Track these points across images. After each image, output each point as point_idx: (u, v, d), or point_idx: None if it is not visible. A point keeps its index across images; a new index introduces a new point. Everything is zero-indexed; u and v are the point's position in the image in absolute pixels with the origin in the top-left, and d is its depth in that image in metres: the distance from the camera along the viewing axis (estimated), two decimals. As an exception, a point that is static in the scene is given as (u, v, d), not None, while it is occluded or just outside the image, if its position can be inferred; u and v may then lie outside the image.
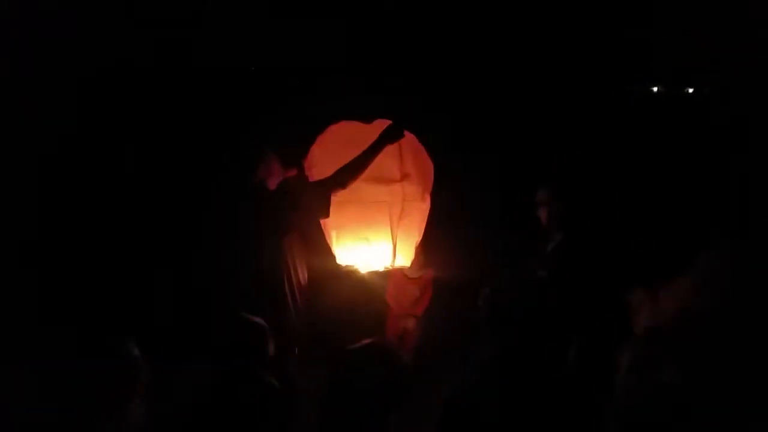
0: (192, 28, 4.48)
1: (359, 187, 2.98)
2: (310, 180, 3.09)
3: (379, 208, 3.00)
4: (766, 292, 1.37)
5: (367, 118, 3.13)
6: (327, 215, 2.96)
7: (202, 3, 4.52)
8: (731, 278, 1.44)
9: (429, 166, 3.21)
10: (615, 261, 3.05)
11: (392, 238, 3.01)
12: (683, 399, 1.24)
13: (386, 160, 2.99)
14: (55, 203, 4.05)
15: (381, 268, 3.12)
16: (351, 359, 1.66)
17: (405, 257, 3.14)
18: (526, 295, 1.94)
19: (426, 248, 3.67)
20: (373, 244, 3.04)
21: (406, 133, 3.07)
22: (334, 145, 3.10)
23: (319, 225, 3.11)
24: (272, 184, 3.03)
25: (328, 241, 3.13)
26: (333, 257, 3.14)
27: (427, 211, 3.17)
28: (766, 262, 1.44)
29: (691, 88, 5.64)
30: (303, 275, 3.08)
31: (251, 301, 2.87)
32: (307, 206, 2.95)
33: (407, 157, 3.05)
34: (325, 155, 3.09)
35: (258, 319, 2.45)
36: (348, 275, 3.19)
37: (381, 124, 3.05)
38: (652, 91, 5.72)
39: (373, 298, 4.19)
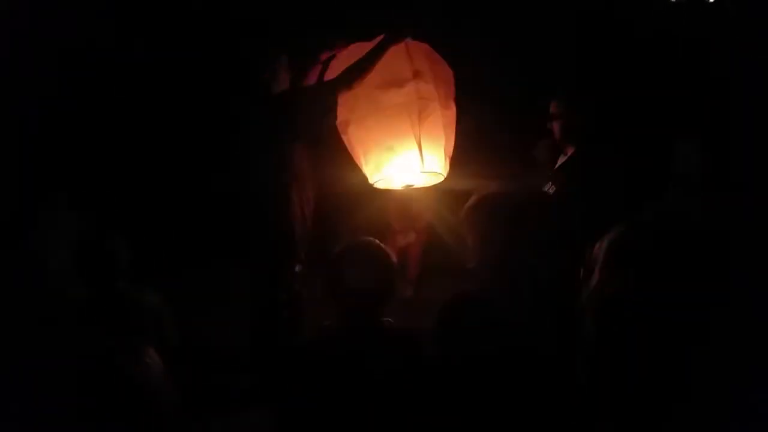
0: None
1: (372, 94, 2.89)
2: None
3: (398, 113, 2.88)
4: None
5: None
6: (335, 119, 2.88)
7: None
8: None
9: (448, 73, 3.09)
10: (627, 181, 2.92)
11: (417, 141, 2.89)
12: None
13: (395, 60, 2.89)
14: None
15: (414, 180, 3.02)
16: (339, 258, 1.69)
17: (435, 163, 3.00)
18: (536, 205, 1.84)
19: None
20: (398, 152, 2.93)
21: (418, 42, 2.98)
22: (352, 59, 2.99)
23: (338, 138, 3.02)
24: (280, 88, 2.96)
25: (357, 160, 3.03)
26: (354, 171, 3.06)
27: (453, 118, 3.04)
28: None
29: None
30: (310, 187, 3.00)
31: (257, 207, 2.84)
32: (314, 109, 2.88)
33: (417, 56, 2.93)
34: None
35: None
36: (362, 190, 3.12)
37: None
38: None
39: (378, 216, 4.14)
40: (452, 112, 3.05)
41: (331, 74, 3.04)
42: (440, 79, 2.99)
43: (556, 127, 3.19)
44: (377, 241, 1.74)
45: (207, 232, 4.16)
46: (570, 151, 3.21)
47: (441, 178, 3.09)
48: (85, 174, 3.91)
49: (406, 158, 2.93)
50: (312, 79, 3.07)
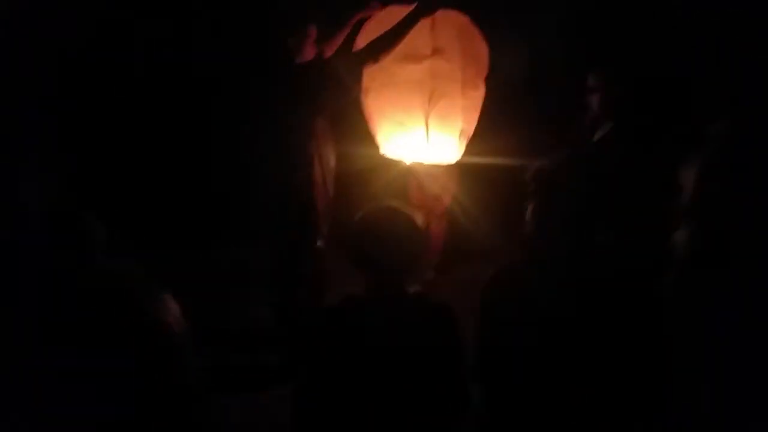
0: None
1: (391, 66, 2.88)
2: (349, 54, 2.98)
3: (411, 89, 2.87)
4: None
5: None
6: (359, 91, 2.87)
7: None
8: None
9: (483, 50, 2.99)
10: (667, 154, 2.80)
11: (425, 119, 2.88)
12: None
13: (418, 34, 2.86)
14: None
15: (417, 155, 2.99)
16: (363, 223, 1.58)
17: (444, 144, 2.96)
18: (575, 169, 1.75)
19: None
20: (408, 128, 2.92)
21: (450, 12, 2.91)
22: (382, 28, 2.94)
23: (357, 110, 3.01)
24: (305, 58, 2.89)
25: (371, 129, 3.02)
26: (371, 144, 3.04)
27: (480, 99, 2.98)
28: None
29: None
30: (332, 159, 2.97)
31: (280, 180, 2.82)
32: (339, 82, 2.87)
33: (444, 31, 2.87)
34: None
35: None
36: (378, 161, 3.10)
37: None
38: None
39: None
40: (479, 92, 2.98)
41: (361, 38, 3.00)
42: (469, 57, 2.93)
43: (594, 100, 3.12)
44: (402, 205, 1.64)
45: (225, 210, 4.12)
46: (608, 124, 3.03)
47: (453, 160, 3.06)
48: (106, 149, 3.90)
49: (414, 135, 2.93)
50: (339, 42, 3.01)
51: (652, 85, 3.44)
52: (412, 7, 2.92)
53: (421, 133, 2.91)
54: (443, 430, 1.60)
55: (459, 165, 3.15)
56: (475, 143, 3.09)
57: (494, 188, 3.98)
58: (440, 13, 2.87)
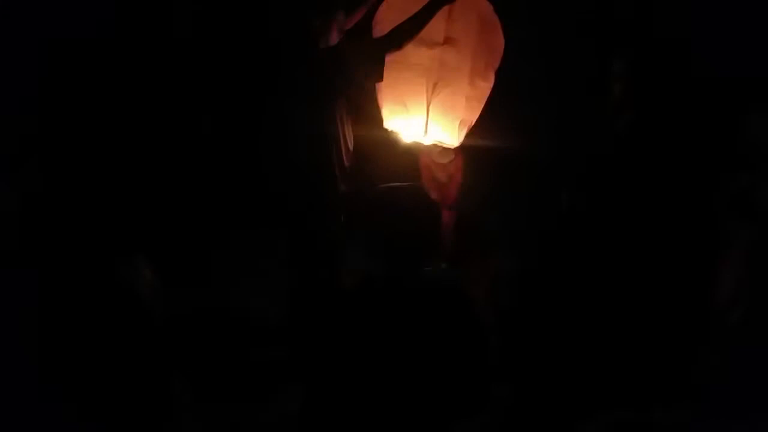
0: None
1: (406, 47, 2.85)
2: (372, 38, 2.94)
3: (418, 74, 2.87)
4: None
5: None
6: (381, 78, 2.86)
7: None
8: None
9: (498, 42, 2.95)
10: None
11: (426, 107, 2.89)
12: None
13: (434, 20, 2.81)
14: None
15: (415, 139, 3.02)
16: (379, 196, 1.58)
17: (444, 132, 2.97)
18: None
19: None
20: (410, 110, 2.93)
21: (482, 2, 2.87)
22: (400, 11, 2.89)
23: (369, 88, 2.99)
24: (330, 42, 2.86)
25: (379, 101, 3.02)
26: (379, 124, 3.04)
27: (487, 90, 2.96)
28: None
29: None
30: (351, 141, 3.00)
31: (302, 166, 2.81)
32: (361, 68, 2.85)
33: (461, 19, 2.83)
34: (392, 13, 2.90)
35: None
36: (389, 142, 3.11)
37: None
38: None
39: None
40: (488, 83, 2.96)
41: (382, 15, 2.96)
42: (483, 48, 2.89)
43: (617, 88, 3.01)
44: (416, 184, 1.62)
45: (243, 197, 4.08)
46: (629, 115, 2.98)
47: (452, 145, 3.07)
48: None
49: (415, 119, 2.95)
50: (359, 17, 2.97)
51: (678, 76, 3.37)
52: None
53: (421, 117, 2.93)
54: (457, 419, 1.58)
55: (468, 153, 3.13)
56: (482, 129, 3.07)
57: (503, 175, 3.97)
58: (462, 2, 2.83)
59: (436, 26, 2.79)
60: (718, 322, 1.44)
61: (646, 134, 2.78)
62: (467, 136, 3.04)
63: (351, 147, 2.99)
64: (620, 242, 1.64)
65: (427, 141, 3.07)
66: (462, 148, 3.28)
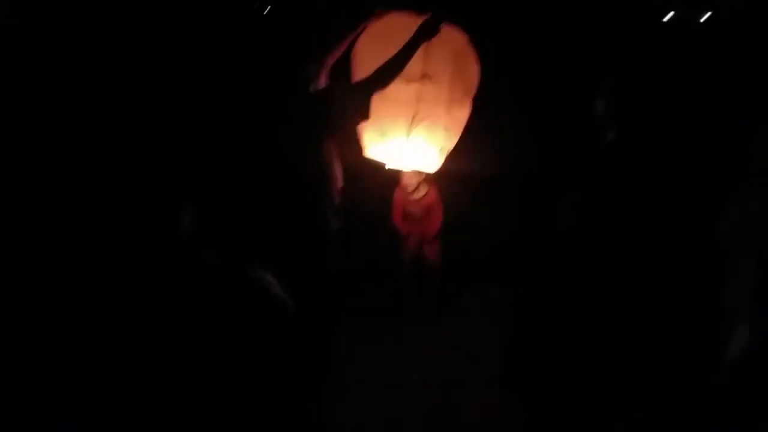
0: None
1: None
2: (353, 79, 3.01)
3: (396, 107, 2.97)
4: None
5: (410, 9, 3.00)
6: (368, 117, 2.89)
7: None
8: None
9: (474, 69, 3.07)
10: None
11: (405, 137, 3.01)
12: None
13: None
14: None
15: (395, 166, 3.14)
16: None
17: (423, 160, 3.10)
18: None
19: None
20: (389, 139, 3.04)
21: (450, 30, 2.96)
22: (378, 43, 2.98)
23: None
24: (320, 85, 2.90)
25: (358, 129, 3.10)
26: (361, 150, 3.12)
27: (465, 119, 3.07)
28: None
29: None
30: (341, 179, 3.01)
31: (294, 207, 2.83)
32: (349, 109, 2.89)
33: (438, 54, 2.94)
34: (370, 53, 2.99)
35: None
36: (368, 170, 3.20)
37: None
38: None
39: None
40: (465, 112, 3.08)
41: (358, 50, 3.04)
42: (460, 78, 3.01)
43: (599, 105, 3.09)
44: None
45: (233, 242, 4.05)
46: (610, 136, 3.06)
47: (432, 170, 3.18)
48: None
49: (394, 147, 3.06)
50: (341, 52, 3.01)
51: (663, 90, 3.45)
52: (410, 13, 2.98)
53: (401, 146, 3.04)
54: None
55: (444, 184, 3.20)
56: (462, 154, 3.19)
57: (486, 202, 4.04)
58: (438, 35, 2.92)
59: (414, 63, 2.88)
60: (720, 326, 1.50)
61: (634, 149, 2.85)
62: (446, 163, 3.17)
63: (341, 184, 3.04)
64: (616, 255, 1.70)
65: (407, 168, 3.17)
66: (437, 180, 3.34)
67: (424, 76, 2.95)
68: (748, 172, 1.48)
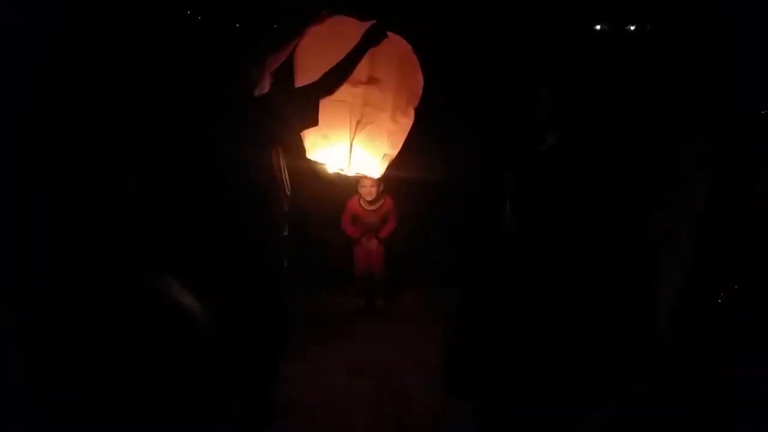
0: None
1: None
2: (296, 84, 2.96)
3: (341, 109, 2.95)
4: None
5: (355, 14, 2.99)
6: (316, 123, 2.84)
7: None
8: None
9: (418, 81, 3.09)
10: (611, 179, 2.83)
11: (349, 141, 2.98)
12: None
13: None
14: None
15: (339, 170, 3.11)
16: None
17: (366, 165, 3.10)
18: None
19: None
20: (332, 143, 3.01)
21: (394, 38, 2.96)
22: (320, 46, 2.96)
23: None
24: (264, 89, 2.83)
25: (302, 134, 3.03)
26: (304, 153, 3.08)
27: (408, 125, 3.09)
28: None
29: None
30: (289, 186, 2.95)
31: (245, 216, 2.74)
32: (295, 116, 2.83)
33: (384, 60, 2.94)
34: (312, 57, 2.96)
35: None
36: (317, 172, 3.19)
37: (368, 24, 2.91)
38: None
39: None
40: (408, 119, 3.10)
41: (300, 54, 3.00)
42: (404, 86, 3.02)
43: (541, 111, 3.18)
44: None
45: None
46: (550, 140, 3.11)
47: (375, 176, 3.20)
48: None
49: (338, 150, 3.04)
50: (285, 56, 2.96)
51: (602, 98, 3.56)
52: (354, 18, 2.96)
53: (344, 150, 3.02)
54: None
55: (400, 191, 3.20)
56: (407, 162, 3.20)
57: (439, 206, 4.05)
58: (383, 42, 2.92)
59: (360, 66, 2.88)
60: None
61: (574, 154, 2.90)
62: (397, 170, 3.20)
63: (289, 191, 2.98)
64: (557, 256, 1.73)
65: (351, 172, 3.15)
66: (392, 190, 3.34)
67: (371, 80, 2.95)
68: (679, 174, 1.54)
